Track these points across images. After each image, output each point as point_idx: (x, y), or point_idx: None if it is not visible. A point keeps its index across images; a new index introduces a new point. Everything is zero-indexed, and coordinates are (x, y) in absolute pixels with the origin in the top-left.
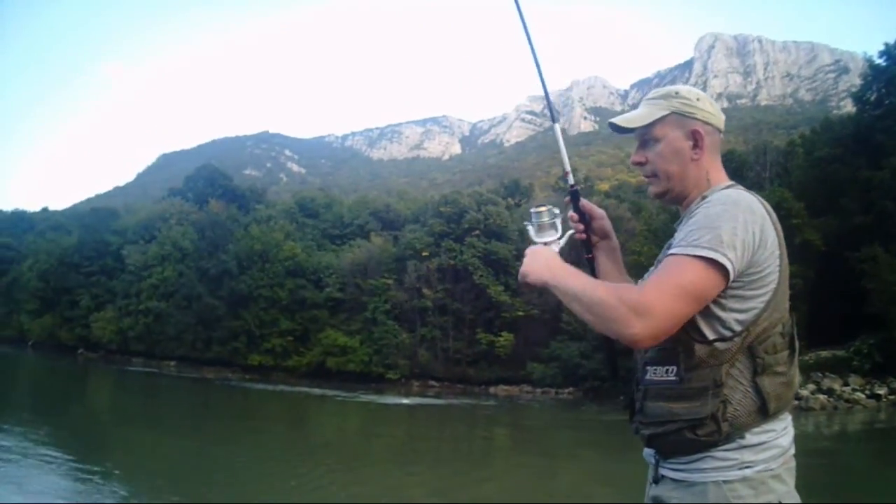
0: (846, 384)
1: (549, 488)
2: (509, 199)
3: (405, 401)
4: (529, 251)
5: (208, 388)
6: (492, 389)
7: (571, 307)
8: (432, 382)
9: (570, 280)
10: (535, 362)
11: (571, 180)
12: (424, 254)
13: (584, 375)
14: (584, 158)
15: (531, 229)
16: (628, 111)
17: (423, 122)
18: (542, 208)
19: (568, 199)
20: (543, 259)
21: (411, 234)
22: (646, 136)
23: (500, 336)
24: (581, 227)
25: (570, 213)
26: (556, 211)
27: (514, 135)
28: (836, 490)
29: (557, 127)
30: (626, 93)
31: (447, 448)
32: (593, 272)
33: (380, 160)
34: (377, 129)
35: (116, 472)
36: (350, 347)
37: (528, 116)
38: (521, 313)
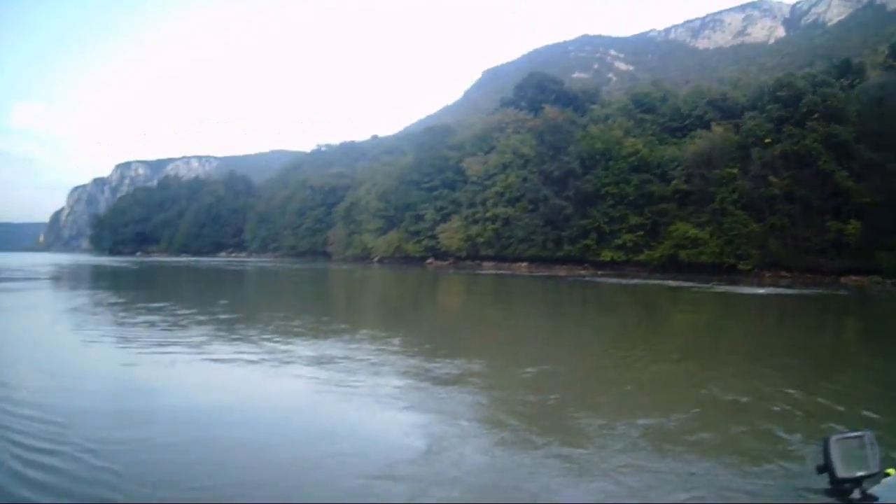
0: None
1: None
2: (842, 80)
3: (760, 291)
4: None
5: (561, 285)
6: (842, 279)
7: None
8: (783, 273)
9: None
10: (883, 251)
11: None
12: (766, 141)
13: None
14: None
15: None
16: None
17: (743, 9)
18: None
19: None
20: None
21: (751, 122)
22: None
23: (849, 223)
24: None
25: None
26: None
27: (834, 13)
28: None
29: None
30: None
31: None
32: None
33: (705, 50)
34: (697, 19)
35: None
36: (700, 239)
37: None
38: (867, 200)
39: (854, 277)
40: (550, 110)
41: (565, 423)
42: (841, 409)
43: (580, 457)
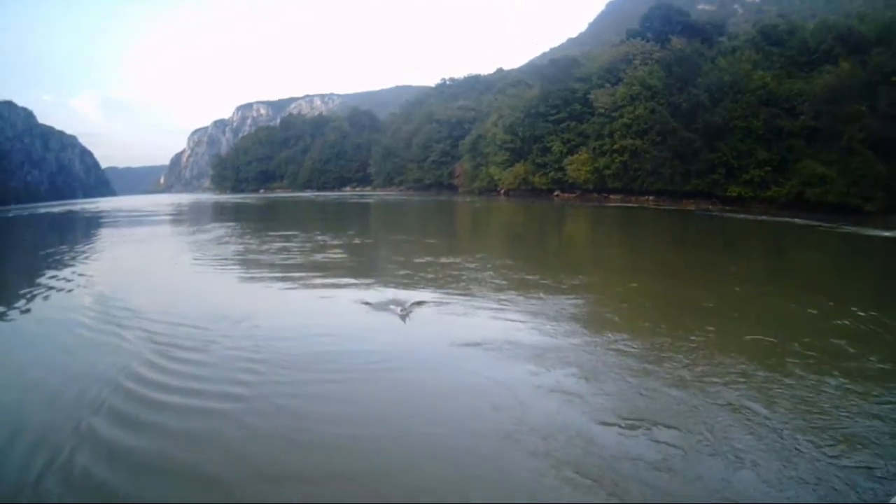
0: None
1: None
2: None
3: (886, 233)
4: None
5: (689, 219)
6: None
7: None
8: None
9: None
10: None
11: None
12: (893, 79)
13: None
14: None
15: None
16: None
17: None
18: None
19: None
20: None
21: (879, 57)
22: None
23: None
24: None
25: None
26: None
27: None
28: None
29: None
30: None
31: None
32: None
33: None
34: None
35: None
36: (828, 177)
37: None
38: None
39: None
40: (677, 41)
41: None
42: None
43: None
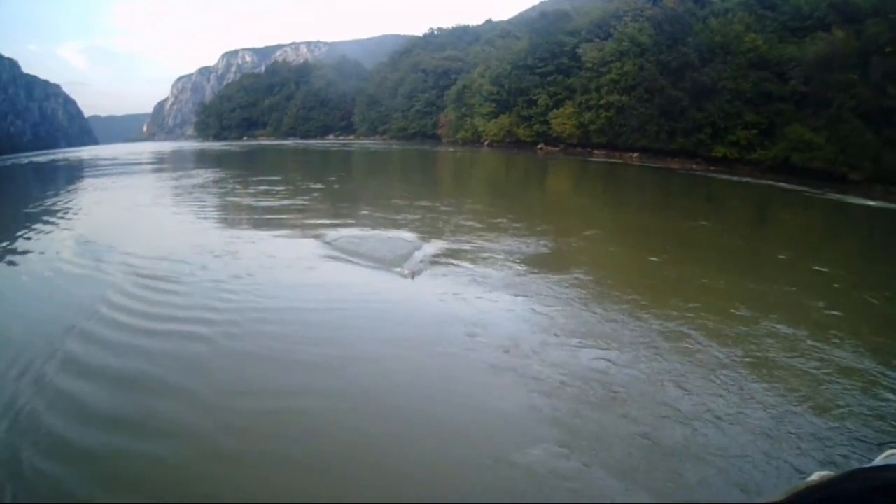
0: None
1: None
2: None
3: (870, 203)
4: None
5: (672, 177)
6: None
7: None
8: (893, 188)
9: None
10: None
11: None
12: (888, 50)
13: None
14: None
15: None
16: None
17: None
18: None
19: None
20: None
21: (873, 28)
22: None
23: None
24: None
25: None
26: None
27: None
28: None
29: None
30: None
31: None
32: None
33: None
34: None
35: None
36: (815, 143)
37: None
38: None
39: None
40: (670, 0)
41: None
42: None
43: None
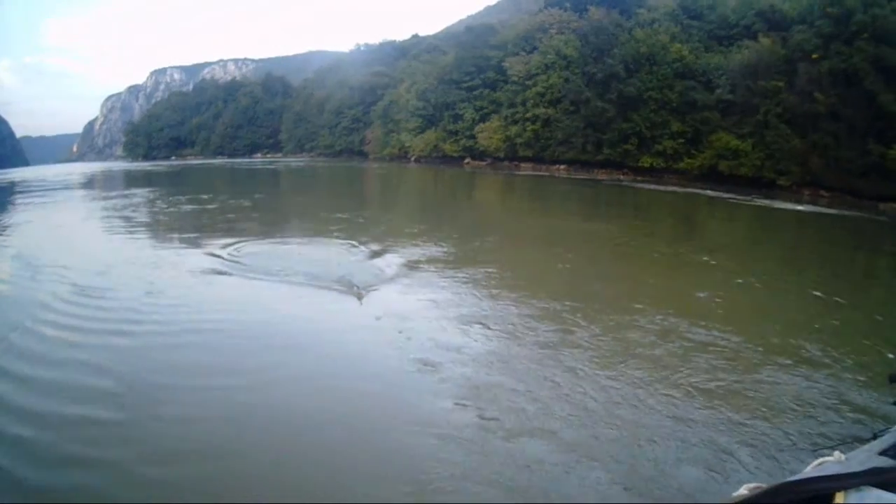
0: None
1: None
2: (893, 3)
3: (799, 207)
4: None
5: (597, 188)
6: (881, 206)
7: None
8: (822, 192)
9: None
10: None
11: None
12: (814, 56)
13: None
14: None
15: None
16: None
17: None
18: None
19: None
20: None
21: (800, 35)
22: None
23: (891, 148)
24: None
25: None
26: None
27: None
28: None
29: None
30: None
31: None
32: None
33: None
34: None
35: None
36: (742, 151)
37: None
38: None
39: (894, 204)
40: (596, 12)
41: None
42: None
43: None
